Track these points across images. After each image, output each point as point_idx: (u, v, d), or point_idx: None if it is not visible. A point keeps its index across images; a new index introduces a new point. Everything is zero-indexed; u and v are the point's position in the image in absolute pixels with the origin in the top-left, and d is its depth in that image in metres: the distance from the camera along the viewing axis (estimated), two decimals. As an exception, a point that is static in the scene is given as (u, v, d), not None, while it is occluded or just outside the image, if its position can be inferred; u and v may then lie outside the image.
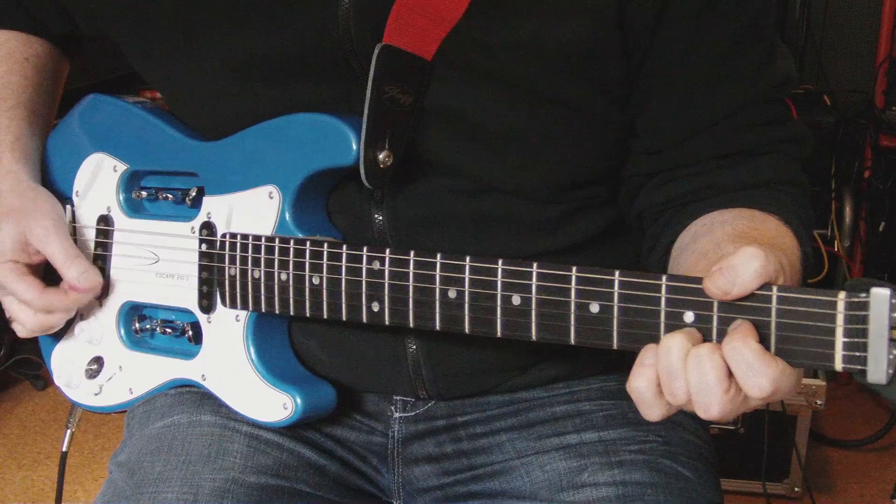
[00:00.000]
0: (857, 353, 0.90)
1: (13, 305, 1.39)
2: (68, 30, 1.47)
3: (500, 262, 1.09)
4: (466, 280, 1.11)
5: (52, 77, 1.52)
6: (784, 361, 0.94)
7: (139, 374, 1.43)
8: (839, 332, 0.90)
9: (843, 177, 3.48)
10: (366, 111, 1.18)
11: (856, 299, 0.89)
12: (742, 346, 0.93)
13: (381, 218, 1.26)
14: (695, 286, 0.98)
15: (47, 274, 1.41)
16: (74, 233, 1.45)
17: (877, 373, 0.89)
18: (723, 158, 1.24)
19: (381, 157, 1.19)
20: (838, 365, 0.91)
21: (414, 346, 1.31)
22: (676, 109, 1.23)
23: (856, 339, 0.90)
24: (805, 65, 3.68)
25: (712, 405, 0.96)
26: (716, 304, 0.97)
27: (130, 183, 1.43)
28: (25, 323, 1.39)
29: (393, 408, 1.39)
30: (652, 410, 1.00)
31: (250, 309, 1.29)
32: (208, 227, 1.33)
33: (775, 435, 2.81)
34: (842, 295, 0.90)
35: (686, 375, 0.96)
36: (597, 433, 1.32)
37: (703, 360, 0.95)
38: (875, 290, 0.88)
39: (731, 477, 2.87)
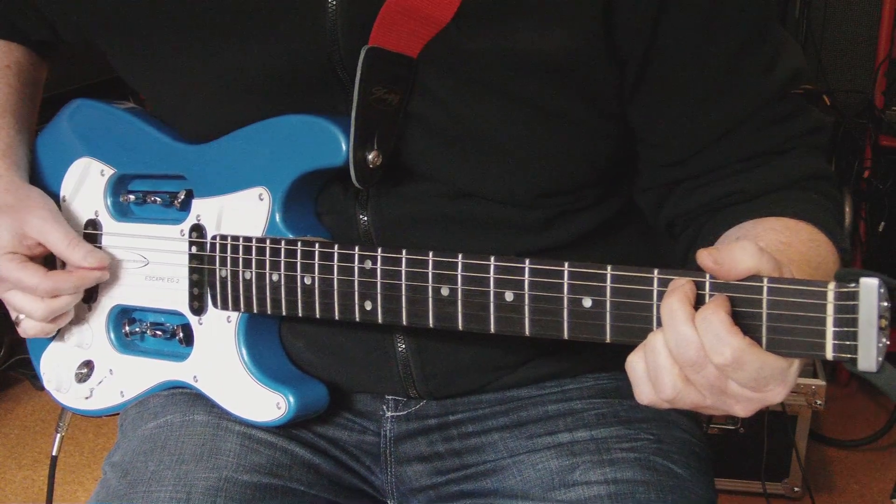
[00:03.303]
0: (848, 342, 0.91)
1: (17, 298, 1.37)
2: (48, 36, 1.47)
3: (492, 258, 1.09)
4: (459, 277, 1.11)
5: (32, 83, 1.52)
6: (750, 339, 0.95)
7: (130, 377, 1.43)
8: (829, 321, 0.91)
9: (842, 177, 3.47)
10: (353, 112, 1.17)
11: (845, 289, 0.90)
12: (712, 316, 0.94)
13: (365, 218, 1.26)
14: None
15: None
16: None
17: (867, 360, 0.90)
18: (747, 161, 1.22)
19: (370, 157, 1.19)
20: (829, 354, 0.92)
21: (403, 346, 1.30)
22: (692, 120, 1.21)
23: (846, 329, 0.90)
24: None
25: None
26: (708, 297, 0.97)
27: (118, 187, 1.43)
28: (33, 312, 1.37)
29: (385, 407, 1.39)
30: (642, 390, 1.01)
31: (242, 310, 1.29)
32: (198, 229, 1.33)
33: (775, 435, 2.80)
34: (831, 285, 0.91)
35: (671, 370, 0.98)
36: (589, 431, 1.32)
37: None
38: (864, 280, 0.88)
39: (730, 477, 2.86)
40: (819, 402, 2.78)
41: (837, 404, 3.25)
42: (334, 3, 1.16)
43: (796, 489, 2.87)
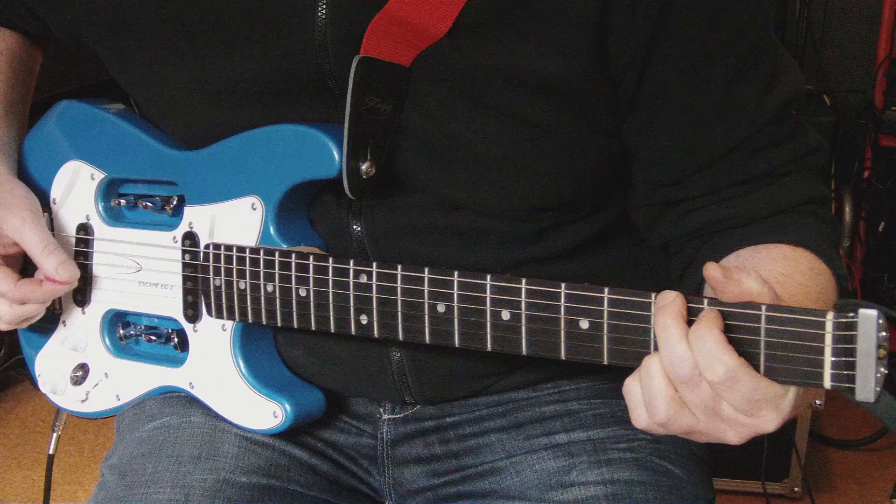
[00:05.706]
0: (846, 372, 0.90)
1: None
2: (39, 30, 1.46)
3: (488, 277, 1.09)
4: (455, 295, 1.11)
5: (25, 69, 1.51)
6: (744, 360, 0.94)
7: (126, 381, 1.42)
8: (828, 351, 0.91)
9: (842, 177, 3.46)
10: (346, 124, 1.17)
11: (844, 319, 0.90)
12: (706, 334, 0.94)
13: (359, 228, 1.26)
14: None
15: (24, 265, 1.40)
16: None
17: (865, 391, 0.90)
18: (743, 185, 1.21)
19: (363, 168, 1.18)
20: (827, 383, 0.92)
21: (398, 354, 1.31)
22: (687, 142, 1.20)
23: (844, 359, 0.90)
24: (805, 65, 3.64)
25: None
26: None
27: (108, 191, 1.42)
28: (2, 315, 1.37)
29: (382, 410, 1.40)
30: (638, 414, 1.01)
31: (237, 319, 1.29)
32: (191, 237, 1.32)
33: (775, 435, 2.77)
34: (830, 315, 0.91)
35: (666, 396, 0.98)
36: (586, 432, 1.32)
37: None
38: (863, 311, 0.88)
39: (730, 477, 2.85)
40: (819, 401, 2.76)
41: (837, 404, 3.24)
42: (323, 13, 1.16)
43: (796, 489, 2.86)
